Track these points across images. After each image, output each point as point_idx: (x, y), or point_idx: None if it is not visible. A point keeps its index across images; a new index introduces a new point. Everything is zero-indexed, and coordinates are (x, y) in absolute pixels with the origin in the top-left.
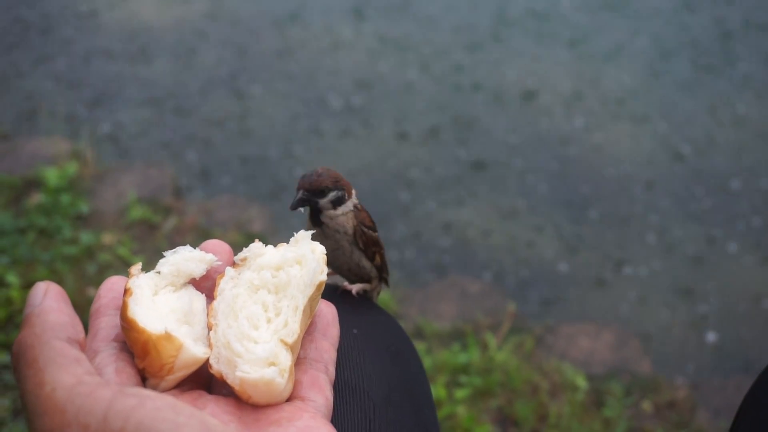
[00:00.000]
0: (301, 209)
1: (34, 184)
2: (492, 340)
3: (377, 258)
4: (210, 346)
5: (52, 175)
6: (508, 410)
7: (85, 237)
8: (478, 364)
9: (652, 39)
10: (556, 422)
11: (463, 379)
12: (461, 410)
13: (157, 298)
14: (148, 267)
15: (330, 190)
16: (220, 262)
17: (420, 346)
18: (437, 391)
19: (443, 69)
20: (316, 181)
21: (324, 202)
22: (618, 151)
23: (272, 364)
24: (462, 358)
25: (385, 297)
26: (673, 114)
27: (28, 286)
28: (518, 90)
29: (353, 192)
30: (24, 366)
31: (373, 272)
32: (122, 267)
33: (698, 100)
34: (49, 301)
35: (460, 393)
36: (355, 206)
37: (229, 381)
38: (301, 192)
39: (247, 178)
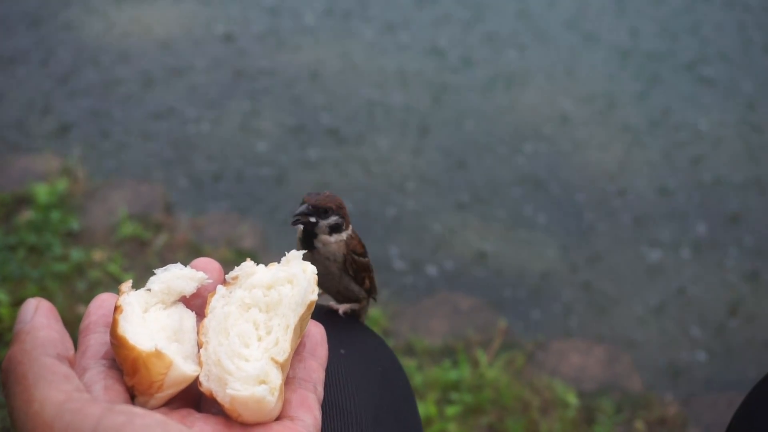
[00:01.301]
0: (300, 226)
1: (25, 200)
2: (483, 357)
3: (366, 282)
4: (200, 364)
5: (42, 192)
6: (499, 427)
7: (76, 254)
8: (468, 381)
9: None
10: None
11: (453, 396)
12: (452, 427)
13: (148, 316)
14: (138, 284)
15: (333, 213)
16: (210, 281)
17: (411, 363)
18: (428, 408)
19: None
20: (322, 199)
21: (323, 224)
22: (614, 170)
23: (263, 382)
24: (453, 374)
25: (376, 313)
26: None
27: (17, 303)
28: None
29: (350, 226)
30: (13, 382)
31: (362, 294)
32: (112, 284)
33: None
34: (39, 317)
35: (451, 410)
36: (348, 236)
37: (219, 399)
38: (306, 206)
39: (238, 195)
